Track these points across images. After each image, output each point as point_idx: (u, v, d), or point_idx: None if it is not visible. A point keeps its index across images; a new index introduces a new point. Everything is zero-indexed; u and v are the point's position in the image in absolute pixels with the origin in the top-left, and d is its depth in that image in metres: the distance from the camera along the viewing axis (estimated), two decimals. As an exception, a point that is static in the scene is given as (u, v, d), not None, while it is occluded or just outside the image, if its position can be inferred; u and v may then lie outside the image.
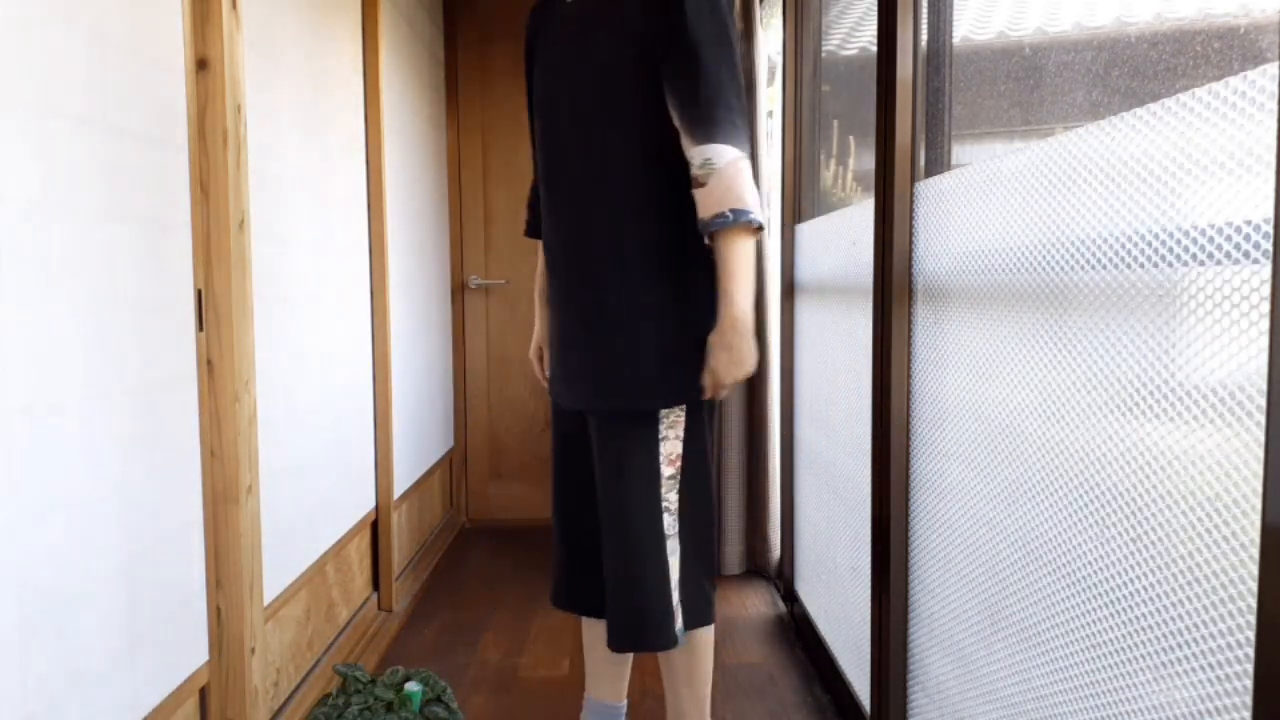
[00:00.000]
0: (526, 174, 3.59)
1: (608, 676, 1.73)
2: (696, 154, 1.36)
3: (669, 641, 1.47)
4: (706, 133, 1.35)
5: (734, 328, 1.36)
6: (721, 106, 1.36)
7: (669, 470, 1.47)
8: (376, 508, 2.54)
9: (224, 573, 1.53)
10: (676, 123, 1.40)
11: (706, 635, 1.59)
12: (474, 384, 3.70)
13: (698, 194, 1.37)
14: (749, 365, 1.39)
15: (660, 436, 1.46)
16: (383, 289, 2.53)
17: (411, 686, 1.68)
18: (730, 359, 1.37)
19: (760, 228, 1.38)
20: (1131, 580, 0.89)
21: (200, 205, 1.47)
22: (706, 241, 1.43)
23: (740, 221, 1.34)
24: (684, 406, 1.47)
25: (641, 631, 1.48)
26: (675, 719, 1.64)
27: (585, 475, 1.60)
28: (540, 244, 1.67)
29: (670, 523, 1.47)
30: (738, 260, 1.36)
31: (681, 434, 1.47)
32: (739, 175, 1.35)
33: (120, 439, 1.26)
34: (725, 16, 1.40)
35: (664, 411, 1.45)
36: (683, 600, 1.49)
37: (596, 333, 1.48)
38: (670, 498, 1.47)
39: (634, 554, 1.46)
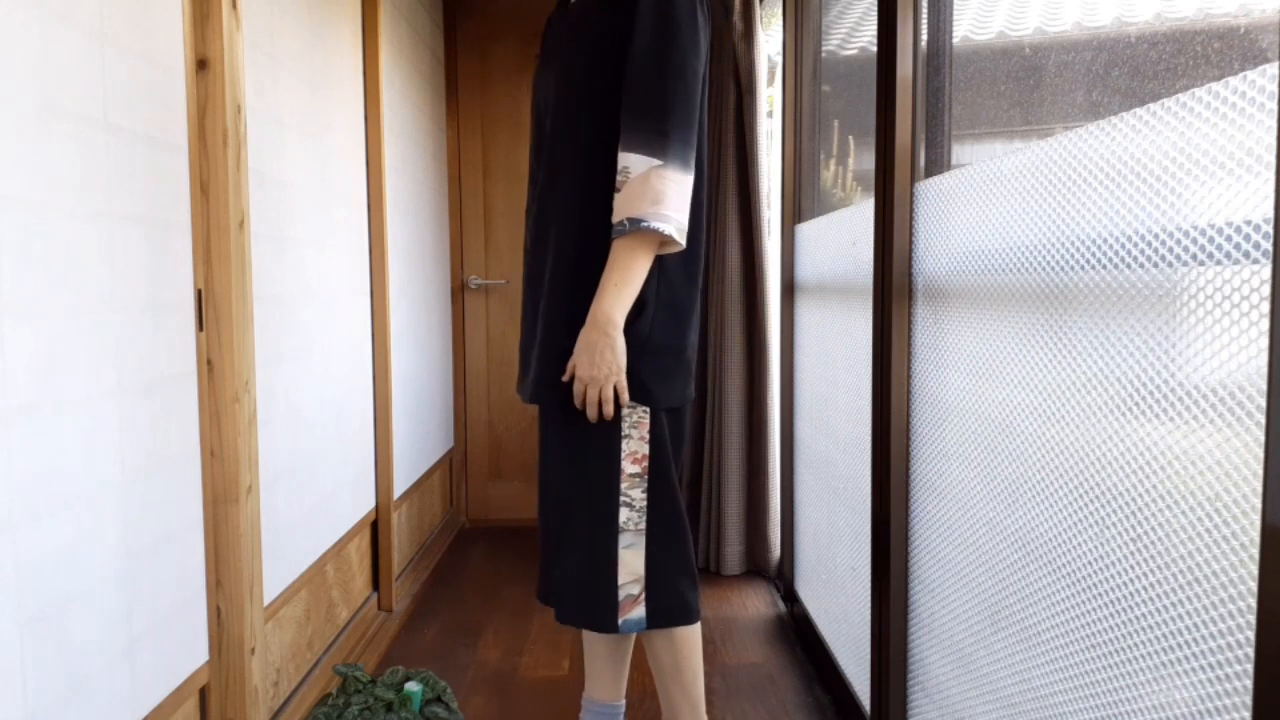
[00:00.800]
0: (526, 174, 3.59)
1: (607, 677, 1.73)
2: (619, 160, 1.39)
3: (605, 626, 1.52)
4: (627, 140, 1.38)
5: (594, 324, 1.38)
6: (647, 115, 1.37)
7: (634, 468, 1.49)
8: (376, 508, 2.54)
9: (224, 573, 1.53)
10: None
11: (691, 634, 1.61)
12: (474, 384, 3.70)
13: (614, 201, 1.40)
14: (606, 369, 1.39)
15: (623, 434, 1.48)
16: (383, 289, 2.53)
17: (411, 686, 1.68)
18: (587, 359, 1.39)
19: (667, 236, 1.37)
20: (1131, 580, 0.89)
21: (200, 205, 1.47)
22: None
23: (634, 230, 1.35)
24: (647, 408, 1.49)
25: (579, 610, 1.53)
26: (670, 718, 1.65)
27: None
28: None
29: (631, 517, 1.50)
30: (620, 263, 1.38)
31: (646, 435, 1.49)
32: (646, 185, 1.36)
33: (120, 439, 1.27)
34: (676, 18, 1.39)
35: (626, 410, 1.48)
36: (648, 597, 1.52)
37: (541, 332, 1.52)
38: (633, 494, 1.50)
39: (570, 536, 1.52)
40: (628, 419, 1.48)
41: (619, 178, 1.38)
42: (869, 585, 1.69)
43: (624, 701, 1.76)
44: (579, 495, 1.51)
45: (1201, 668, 0.79)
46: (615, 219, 1.38)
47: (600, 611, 1.51)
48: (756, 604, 2.73)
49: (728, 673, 2.24)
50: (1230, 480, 0.75)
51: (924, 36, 1.48)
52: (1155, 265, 0.84)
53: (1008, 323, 1.15)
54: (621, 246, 1.38)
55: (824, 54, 2.44)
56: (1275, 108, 0.69)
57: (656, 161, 1.36)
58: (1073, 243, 0.99)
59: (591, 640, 1.71)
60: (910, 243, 1.49)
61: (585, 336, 1.40)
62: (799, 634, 2.46)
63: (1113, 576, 0.92)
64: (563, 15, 1.56)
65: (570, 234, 1.48)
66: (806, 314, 2.39)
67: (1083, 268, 0.97)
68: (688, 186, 1.40)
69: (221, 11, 1.46)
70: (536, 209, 1.57)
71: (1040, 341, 1.06)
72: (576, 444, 1.50)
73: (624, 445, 1.49)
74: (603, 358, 1.39)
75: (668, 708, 1.65)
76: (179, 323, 1.43)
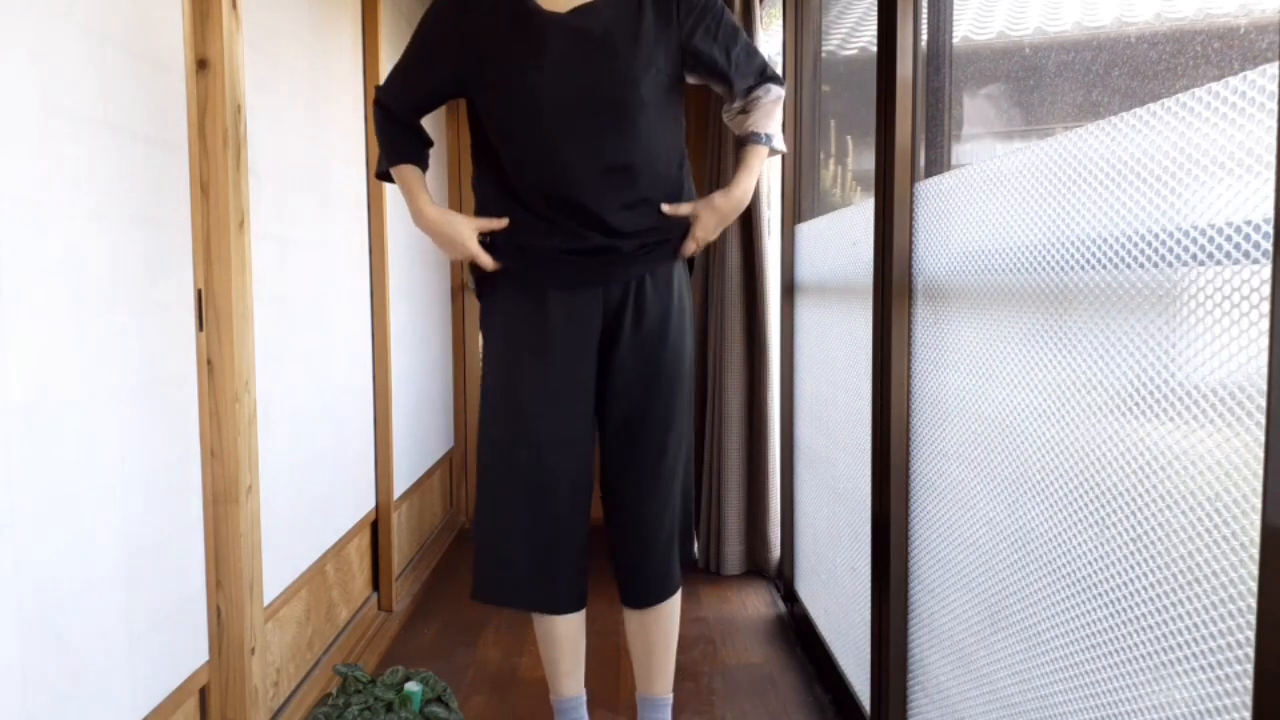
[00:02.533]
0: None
1: (573, 671, 1.78)
2: (748, 89, 1.65)
3: (689, 562, 1.79)
4: (754, 78, 1.65)
5: (738, 199, 1.62)
6: (762, 65, 1.68)
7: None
8: (376, 508, 2.54)
9: (224, 573, 1.53)
10: (740, 83, 1.64)
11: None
12: (474, 384, 3.70)
13: (748, 115, 1.67)
14: (716, 234, 1.67)
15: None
16: (383, 289, 2.53)
17: (411, 686, 1.68)
18: (716, 223, 1.63)
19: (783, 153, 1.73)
20: (1131, 580, 0.89)
21: (200, 205, 1.47)
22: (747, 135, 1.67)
23: (767, 144, 1.66)
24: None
25: (684, 563, 1.75)
26: (659, 680, 1.78)
27: (585, 458, 1.64)
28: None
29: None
30: (756, 163, 1.65)
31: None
32: (777, 109, 1.68)
33: (120, 439, 1.27)
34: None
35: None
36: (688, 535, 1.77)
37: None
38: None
39: (688, 503, 1.73)
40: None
41: (753, 99, 1.65)
42: (869, 585, 1.69)
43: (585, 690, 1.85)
44: (684, 456, 1.69)
45: (1201, 668, 0.79)
46: (761, 129, 1.64)
47: (687, 555, 1.76)
48: (756, 604, 2.73)
49: (728, 673, 2.24)
50: (1230, 480, 0.75)
51: (924, 36, 1.48)
52: (1155, 265, 0.84)
53: (1008, 323, 1.15)
54: (762, 153, 1.65)
55: (824, 54, 2.44)
56: (1275, 108, 0.69)
57: (780, 90, 1.67)
58: (1073, 243, 0.99)
59: (555, 640, 1.74)
60: (910, 243, 1.49)
61: (724, 206, 1.61)
62: (799, 634, 2.46)
63: (1113, 576, 0.92)
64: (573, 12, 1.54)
65: (667, 176, 1.62)
66: (806, 314, 2.39)
67: (1083, 268, 0.97)
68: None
69: (221, 11, 1.46)
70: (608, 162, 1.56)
71: (1040, 341, 1.06)
72: (683, 406, 1.66)
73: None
74: (724, 227, 1.66)
75: (659, 677, 1.78)
76: (179, 323, 1.43)
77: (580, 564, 1.67)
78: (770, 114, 1.66)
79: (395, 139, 1.66)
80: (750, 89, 1.65)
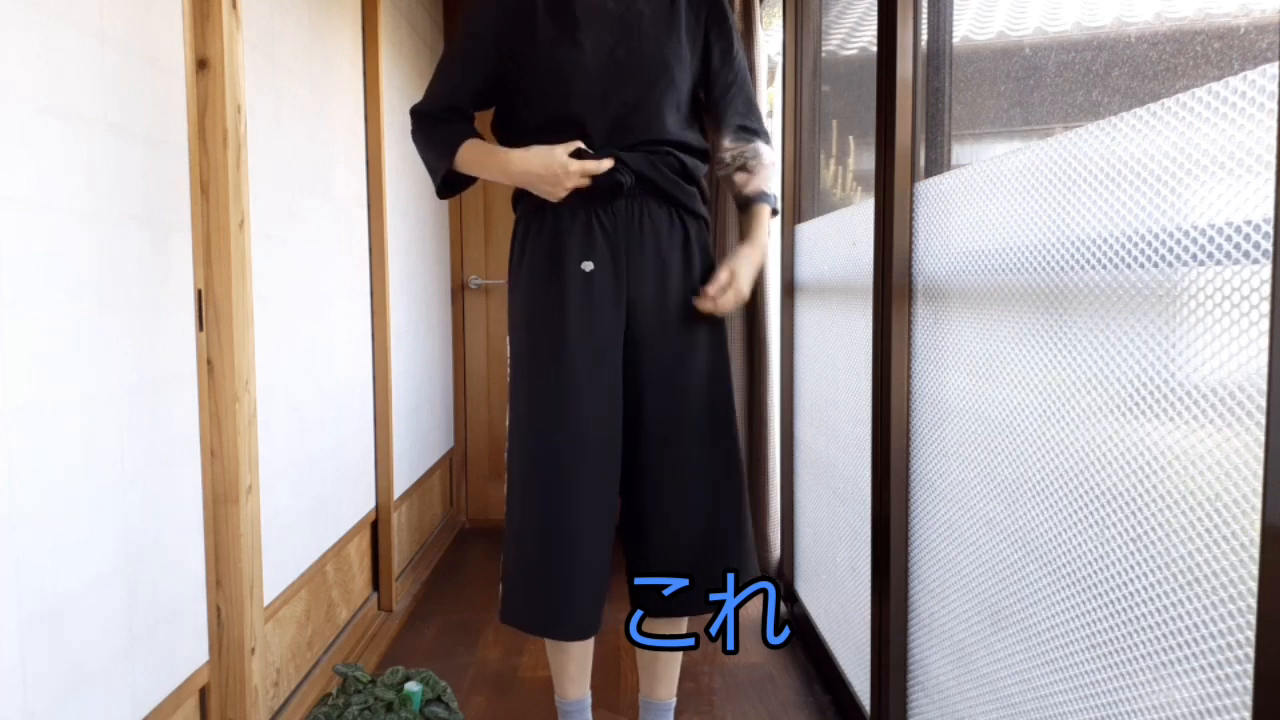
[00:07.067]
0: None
1: (580, 673, 1.79)
2: (745, 143, 1.70)
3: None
4: (754, 132, 1.71)
5: (765, 250, 1.69)
6: (759, 118, 1.73)
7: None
8: (376, 508, 2.54)
9: (224, 573, 1.53)
10: (733, 118, 1.68)
11: None
12: (474, 384, 3.70)
13: (750, 174, 1.71)
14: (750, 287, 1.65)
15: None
16: (383, 289, 2.53)
17: (411, 686, 1.68)
18: (752, 271, 1.63)
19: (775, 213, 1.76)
20: (1131, 580, 0.89)
21: (200, 205, 1.47)
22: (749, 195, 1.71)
23: (772, 205, 1.72)
24: None
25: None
26: (664, 685, 1.79)
27: (613, 465, 1.61)
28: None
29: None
30: (766, 220, 1.70)
31: None
32: (775, 171, 1.75)
33: (120, 439, 1.26)
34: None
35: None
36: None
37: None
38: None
39: (741, 504, 1.71)
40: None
41: (752, 155, 1.69)
42: (869, 585, 1.69)
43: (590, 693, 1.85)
44: (738, 456, 1.70)
45: (1201, 668, 0.79)
46: (769, 189, 1.70)
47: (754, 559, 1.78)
48: (756, 603, 2.72)
49: (728, 673, 2.24)
50: (1230, 480, 0.75)
51: (924, 36, 1.48)
52: (1155, 265, 0.84)
53: (1008, 323, 1.15)
54: (768, 213, 1.70)
55: (824, 54, 2.44)
56: (1275, 108, 0.69)
57: (775, 156, 1.75)
58: (1073, 243, 0.99)
59: (565, 644, 1.73)
60: (910, 243, 1.49)
61: (755, 255, 1.64)
62: (799, 634, 2.46)
63: (1113, 576, 0.92)
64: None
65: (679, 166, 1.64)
66: (806, 314, 2.39)
67: (1083, 268, 0.97)
68: None
69: (221, 11, 1.46)
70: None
71: (1040, 341, 1.06)
72: (729, 406, 1.69)
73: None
74: (754, 279, 1.64)
75: (665, 682, 1.78)
76: (179, 323, 1.43)
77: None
78: (770, 178, 1.71)
79: (440, 132, 1.66)
80: (747, 129, 1.69)
